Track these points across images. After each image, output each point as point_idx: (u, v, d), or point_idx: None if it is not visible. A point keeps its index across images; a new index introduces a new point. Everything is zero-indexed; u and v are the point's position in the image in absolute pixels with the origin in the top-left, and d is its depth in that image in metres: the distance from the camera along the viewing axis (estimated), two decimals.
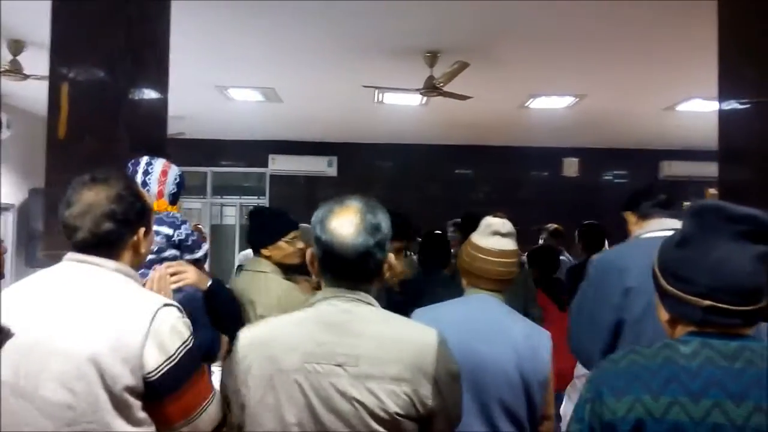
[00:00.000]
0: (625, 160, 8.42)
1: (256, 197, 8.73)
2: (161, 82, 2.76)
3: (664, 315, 1.13)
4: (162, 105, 2.78)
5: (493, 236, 1.76)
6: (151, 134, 2.68)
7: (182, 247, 1.93)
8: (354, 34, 4.35)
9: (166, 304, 1.26)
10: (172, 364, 1.21)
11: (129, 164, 2.01)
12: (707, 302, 1.04)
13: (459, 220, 4.30)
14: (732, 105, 2.73)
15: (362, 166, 8.45)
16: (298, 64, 5.06)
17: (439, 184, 8.49)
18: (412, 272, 3.22)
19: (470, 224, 4.05)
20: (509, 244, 1.76)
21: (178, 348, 1.23)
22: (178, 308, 1.29)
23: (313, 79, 5.46)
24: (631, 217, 2.06)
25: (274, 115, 6.83)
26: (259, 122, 7.28)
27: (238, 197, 8.89)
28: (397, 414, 1.14)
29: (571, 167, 8.48)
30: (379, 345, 1.18)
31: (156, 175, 1.97)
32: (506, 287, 1.77)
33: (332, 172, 8.41)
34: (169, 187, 1.99)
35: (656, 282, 1.13)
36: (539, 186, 8.56)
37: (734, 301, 1.03)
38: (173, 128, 6.65)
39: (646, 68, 4.98)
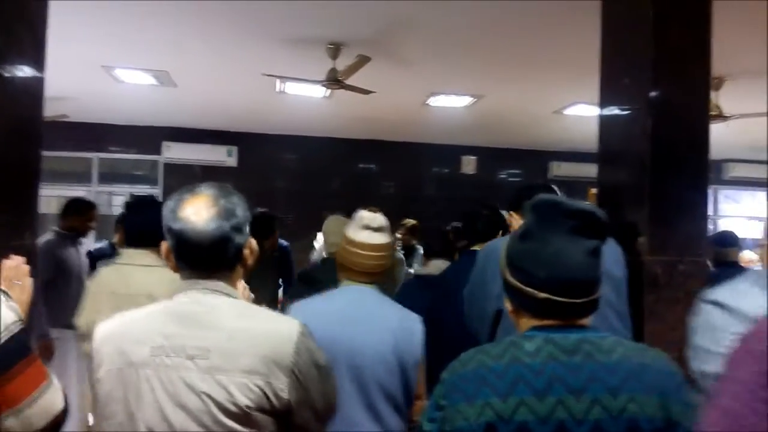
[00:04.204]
0: (519, 160, 8.84)
1: (148, 186, 8.27)
2: (37, 59, 2.53)
3: (509, 305, 1.17)
4: (38, 84, 2.55)
5: (365, 230, 1.81)
6: (25, 115, 2.45)
7: None
8: (254, 19, 4.22)
9: None
10: None
11: None
12: (543, 295, 1.07)
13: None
14: (611, 111, 2.93)
15: (264, 157, 8.25)
16: (193, 47, 4.83)
17: (342, 178, 8.48)
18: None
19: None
20: (381, 238, 1.81)
21: None
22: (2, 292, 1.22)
23: (211, 63, 5.25)
24: (515, 216, 2.16)
25: (168, 100, 6.49)
26: (152, 107, 6.89)
27: (128, 186, 8.37)
28: (248, 407, 1.10)
29: (469, 165, 8.79)
30: (232, 337, 1.14)
31: None
32: (380, 279, 1.84)
33: (232, 162, 8.13)
34: None
35: (502, 273, 1.16)
36: (440, 182, 8.78)
37: (568, 294, 1.07)
38: (54, 110, 6.14)
39: (537, 73, 5.24)
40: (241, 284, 1.52)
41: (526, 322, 1.12)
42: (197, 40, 4.66)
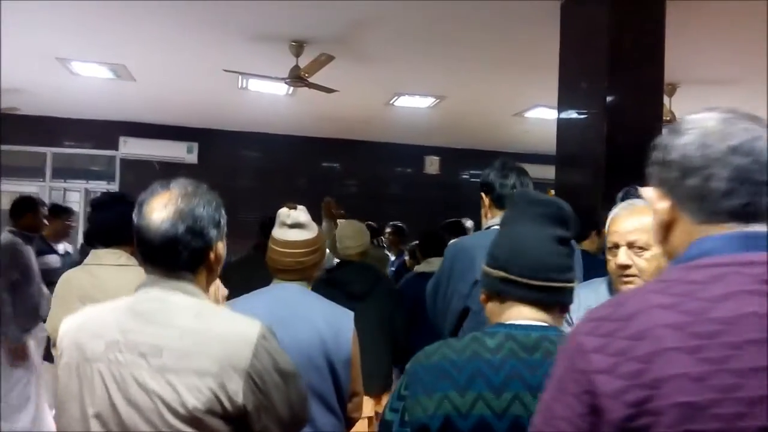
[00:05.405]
0: (481, 161, 8.87)
1: (105, 182, 8.05)
2: None
3: (482, 295, 1.19)
4: None
5: (281, 228, 1.80)
6: None
7: None
8: (216, 14, 4.15)
9: None
10: None
11: None
12: (502, 273, 1.12)
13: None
14: (569, 114, 3.00)
15: (225, 154, 8.13)
16: (152, 41, 4.72)
17: (305, 176, 8.42)
18: None
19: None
20: (297, 235, 1.78)
21: None
22: None
23: (171, 58, 5.14)
24: (485, 198, 2.17)
25: (126, 94, 6.32)
26: (109, 101, 6.71)
27: (83, 181, 8.13)
28: (197, 409, 1.07)
29: (432, 165, 8.85)
30: (186, 337, 1.11)
31: None
32: (307, 275, 1.82)
33: (192, 159, 7.98)
34: None
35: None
36: (403, 182, 8.82)
37: (523, 273, 1.10)
38: (5, 102, 5.92)
39: (499, 75, 5.32)
40: (214, 285, 1.48)
41: (493, 307, 1.15)
42: (156, 34, 4.56)
